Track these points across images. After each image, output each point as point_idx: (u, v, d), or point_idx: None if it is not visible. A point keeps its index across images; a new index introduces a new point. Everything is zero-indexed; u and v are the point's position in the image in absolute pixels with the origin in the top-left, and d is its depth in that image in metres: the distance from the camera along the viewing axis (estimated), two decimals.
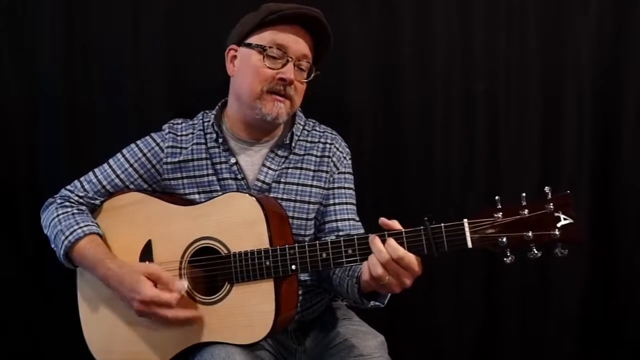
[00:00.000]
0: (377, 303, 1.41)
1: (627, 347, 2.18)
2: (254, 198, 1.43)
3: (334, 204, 1.61)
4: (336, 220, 1.60)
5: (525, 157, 2.15)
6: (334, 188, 1.62)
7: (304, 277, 1.59)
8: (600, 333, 2.19)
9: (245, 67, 1.54)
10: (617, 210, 2.14)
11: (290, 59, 1.51)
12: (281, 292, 1.40)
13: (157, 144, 1.61)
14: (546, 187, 1.21)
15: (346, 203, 1.63)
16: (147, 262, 1.49)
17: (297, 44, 1.52)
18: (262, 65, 1.51)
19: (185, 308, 1.42)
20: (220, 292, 1.44)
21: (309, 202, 1.59)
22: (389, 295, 1.39)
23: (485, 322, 2.19)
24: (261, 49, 1.51)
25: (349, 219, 1.61)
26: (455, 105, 2.13)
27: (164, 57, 2.09)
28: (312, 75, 1.58)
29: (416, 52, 2.12)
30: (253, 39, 1.53)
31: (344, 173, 1.65)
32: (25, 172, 2.09)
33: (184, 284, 1.41)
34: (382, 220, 1.30)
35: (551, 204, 1.19)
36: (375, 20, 2.11)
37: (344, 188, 1.64)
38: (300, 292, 1.55)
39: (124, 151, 1.63)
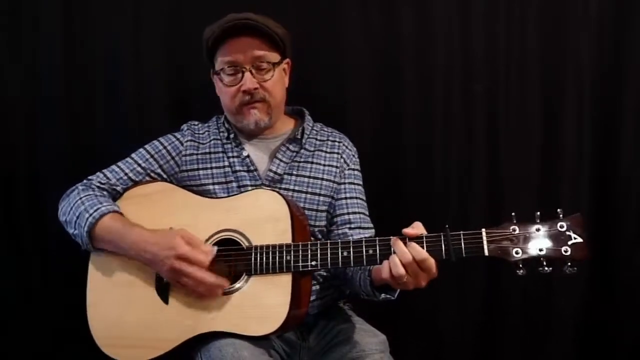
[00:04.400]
0: (389, 296, 1.46)
1: (627, 348, 2.18)
2: (281, 195, 1.49)
3: (345, 198, 1.68)
4: (348, 213, 1.66)
5: (525, 157, 2.14)
6: (345, 183, 1.69)
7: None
8: (600, 333, 2.19)
9: (219, 92, 1.67)
10: (617, 210, 2.14)
11: (244, 69, 1.58)
12: (297, 288, 1.42)
13: (177, 139, 1.69)
14: (558, 209, 1.30)
15: (357, 197, 1.69)
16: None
17: (244, 52, 1.58)
18: (225, 86, 1.62)
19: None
20: (237, 283, 1.45)
21: (319, 194, 1.65)
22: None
23: (485, 322, 2.19)
24: (218, 74, 1.62)
25: (359, 212, 1.68)
26: (455, 106, 2.13)
27: (164, 57, 2.09)
28: (278, 67, 1.61)
29: (416, 52, 2.12)
30: (216, 65, 1.64)
31: (354, 170, 1.73)
32: (25, 172, 2.09)
33: (213, 248, 1.45)
34: (405, 231, 1.35)
35: (563, 223, 1.29)
36: (375, 20, 2.11)
37: (354, 184, 1.71)
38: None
39: (146, 146, 1.69)
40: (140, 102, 2.09)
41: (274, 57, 1.61)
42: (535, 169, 2.15)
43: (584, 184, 2.13)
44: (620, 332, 2.18)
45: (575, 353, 2.20)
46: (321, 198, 1.65)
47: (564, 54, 2.12)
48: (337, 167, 1.69)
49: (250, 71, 1.58)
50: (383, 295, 1.46)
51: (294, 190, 1.64)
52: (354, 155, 1.74)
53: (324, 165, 1.68)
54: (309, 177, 1.65)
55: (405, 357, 1.61)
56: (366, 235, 1.63)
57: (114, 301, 1.54)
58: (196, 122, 1.75)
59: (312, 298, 1.59)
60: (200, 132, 1.71)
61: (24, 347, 2.13)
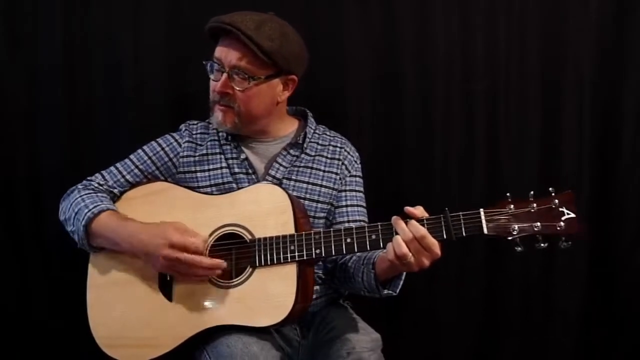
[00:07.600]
0: (391, 291, 1.46)
1: (627, 347, 2.18)
2: (281, 188, 1.50)
3: (346, 206, 1.66)
4: (348, 221, 1.65)
5: (525, 157, 2.15)
6: (345, 190, 1.68)
7: (316, 270, 1.60)
8: (601, 333, 2.19)
9: None
10: (617, 210, 2.14)
11: (224, 70, 1.55)
12: (302, 278, 1.42)
13: (176, 140, 1.68)
14: (550, 188, 1.34)
15: (357, 205, 1.68)
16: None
17: (227, 55, 1.54)
18: (210, 78, 1.60)
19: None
20: (241, 276, 1.46)
21: (317, 201, 1.63)
22: (402, 282, 1.46)
23: (485, 322, 2.19)
24: (206, 65, 1.59)
25: (360, 221, 1.66)
26: (455, 105, 2.13)
27: (164, 57, 2.09)
28: (259, 82, 1.55)
29: (416, 51, 2.12)
30: None
31: (355, 176, 1.71)
32: (25, 172, 2.09)
33: (209, 237, 1.46)
34: (407, 208, 1.36)
35: (556, 200, 1.33)
36: (376, 20, 2.11)
37: (355, 191, 1.69)
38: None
39: (144, 147, 1.69)
40: (140, 101, 2.09)
41: (256, 71, 1.54)
42: (534, 169, 2.15)
43: (584, 183, 2.13)
44: (621, 331, 2.18)
45: (575, 353, 2.20)
46: (319, 205, 1.63)
47: (564, 53, 2.12)
48: (337, 173, 1.67)
49: (229, 74, 1.54)
50: (386, 291, 1.45)
51: None
52: (355, 162, 1.72)
53: (324, 171, 1.66)
54: (308, 182, 1.64)
55: (404, 355, 1.61)
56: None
57: (115, 301, 1.54)
58: (195, 122, 1.72)
59: (314, 297, 1.58)
60: (199, 132, 1.69)
61: (24, 348, 2.12)
